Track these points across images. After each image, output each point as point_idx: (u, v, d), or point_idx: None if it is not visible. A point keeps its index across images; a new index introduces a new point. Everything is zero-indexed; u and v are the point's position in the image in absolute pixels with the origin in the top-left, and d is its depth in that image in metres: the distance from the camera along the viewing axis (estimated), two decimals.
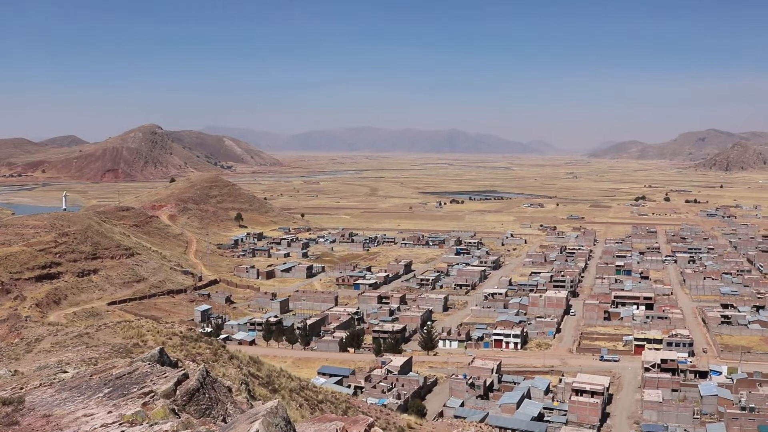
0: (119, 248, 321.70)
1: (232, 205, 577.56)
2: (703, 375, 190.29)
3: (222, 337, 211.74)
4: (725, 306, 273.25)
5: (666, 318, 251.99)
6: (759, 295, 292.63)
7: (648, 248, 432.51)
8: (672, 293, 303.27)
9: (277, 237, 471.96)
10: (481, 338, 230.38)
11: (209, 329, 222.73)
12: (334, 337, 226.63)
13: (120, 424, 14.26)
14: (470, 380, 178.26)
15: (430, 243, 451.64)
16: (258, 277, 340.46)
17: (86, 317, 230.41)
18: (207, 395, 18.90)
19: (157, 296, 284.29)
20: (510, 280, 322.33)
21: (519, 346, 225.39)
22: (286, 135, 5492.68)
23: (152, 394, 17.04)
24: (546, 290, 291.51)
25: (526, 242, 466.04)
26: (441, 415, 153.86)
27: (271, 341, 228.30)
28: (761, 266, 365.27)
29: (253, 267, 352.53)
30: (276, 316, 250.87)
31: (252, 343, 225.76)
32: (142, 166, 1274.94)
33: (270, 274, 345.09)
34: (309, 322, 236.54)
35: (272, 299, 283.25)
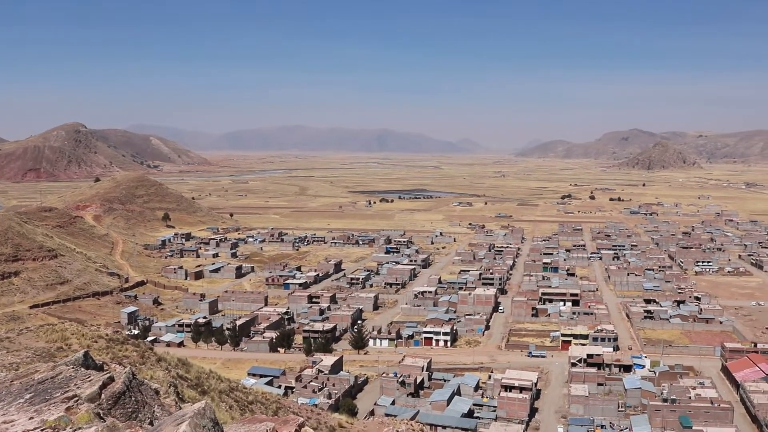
0: (42, 249, 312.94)
1: (159, 205, 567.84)
2: (627, 369, 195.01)
3: (149, 339, 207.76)
4: (648, 301, 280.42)
5: (592, 314, 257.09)
6: (679, 290, 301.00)
7: (574, 245, 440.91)
8: (597, 289, 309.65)
9: (205, 237, 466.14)
10: (411, 336, 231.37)
11: (136, 331, 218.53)
12: (264, 337, 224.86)
13: (42, 430, 13.87)
14: (401, 378, 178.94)
15: (360, 242, 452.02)
16: (186, 278, 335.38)
17: (7, 321, 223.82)
18: (133, 398, 18.53)
19: (81, 298, 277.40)
20: (439, 278, 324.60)
21: (449, 344, 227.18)
22: (215, 134, 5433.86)
23: (76, 398, 16.64)
24: (475, 288, 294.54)
25: (455, 240, 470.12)
26: (372, 413, 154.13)
27: (200, 343, 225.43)
28: (682, 262, 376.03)
29: (181, 268, 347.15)
30: (205, 317, 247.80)
31: (180, 344, 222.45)
32: (66, 166, 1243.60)
33: (198, 275, 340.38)
34: (238, 322, 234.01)
35: (201, 300, 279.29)
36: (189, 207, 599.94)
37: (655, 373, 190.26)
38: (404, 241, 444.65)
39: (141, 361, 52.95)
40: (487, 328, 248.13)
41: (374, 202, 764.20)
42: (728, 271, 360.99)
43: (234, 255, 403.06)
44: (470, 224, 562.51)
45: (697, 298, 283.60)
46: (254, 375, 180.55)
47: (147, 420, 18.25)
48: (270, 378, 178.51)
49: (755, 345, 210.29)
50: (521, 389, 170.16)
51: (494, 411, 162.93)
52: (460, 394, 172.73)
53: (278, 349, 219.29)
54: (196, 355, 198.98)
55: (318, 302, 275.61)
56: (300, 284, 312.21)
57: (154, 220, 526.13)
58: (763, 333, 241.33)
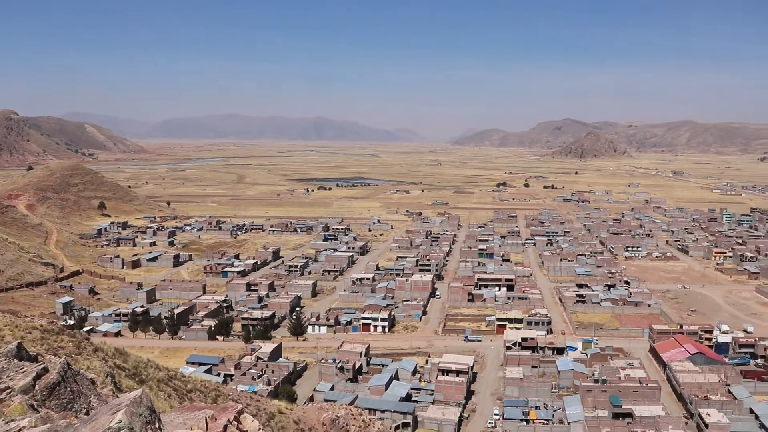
0: None
1: (95, 193, 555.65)
2: (560, 351, 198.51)
3: (86, 329, 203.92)
4: (580, 286, 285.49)
5: (526, 298, 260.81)
6: (610, 275, 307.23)
7: (509, 232, 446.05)
8: (531, 275, 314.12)
9: (142, 226, 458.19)
10: (349, 323, 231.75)
11: (72, 322, 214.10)
12: (202, 325, 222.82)
13: None
14: (339, 364, 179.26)
15: (298, 230, 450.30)
16: (123, 267, 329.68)
17: None
18: (69, 389, 18.15)
19: (15, 289, 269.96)
20: (377, 265, 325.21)
21: (387, 330, 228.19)
22: (151, 122, 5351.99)
23: (9, 390, 16.22)
24: (412, 274, 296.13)
25: (392, 228, 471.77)
26: (311, 399, 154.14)
27: (137, 332, 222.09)
28: (612, 248, 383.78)
29: (117, 257, 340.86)
30: (142, 306, 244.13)
31: (118, 334, 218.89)
32: None
33: (135, 264, 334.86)
34: (177, 311, 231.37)
35: (138, 289, 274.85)
36: (125, 195, 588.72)
37: (586, 355, 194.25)
38: (342, 229, 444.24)
39: (77, 351, 51.84)
40: (424, 313, 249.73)
41: (312, 190, 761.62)
42: (656, 257, 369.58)
43: (171, 243, 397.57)
44: (407, 211, 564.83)
45: (627, 283, 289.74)
46: (193, 363, 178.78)
47: (83, 410, 17.88)
48: (209, 366, 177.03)
49: (681, 327, 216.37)
50: (458, 373, 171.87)
51: (432, 394, 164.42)
52: (398, 379, 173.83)
53: (217, 337, 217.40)
54: (134, 344, 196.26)
55: (256, 290, 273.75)
56: (238, 272, 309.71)
57: (89, 209, 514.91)
58: (688, 315, 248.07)
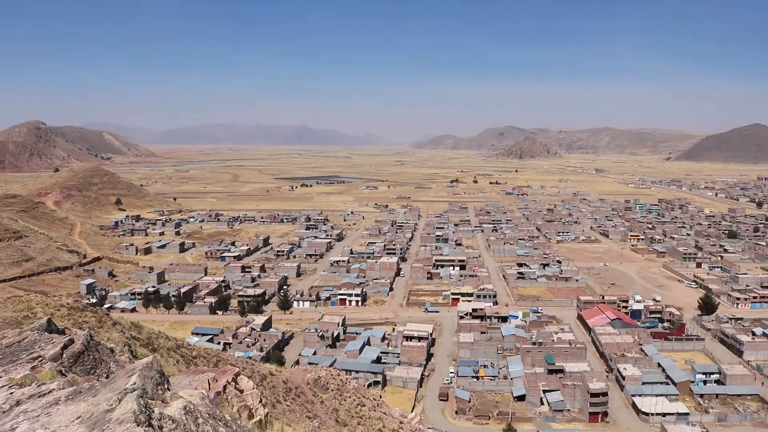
0: (7, 231, 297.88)
1: (112, 191, 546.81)
2: (504, 319, 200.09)
3: (106, 306, 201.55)
4: (520, 265, 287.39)
5: (475, 276, 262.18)
6: (545, 255, 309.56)
7: (461, 221, 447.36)
8: (480, 256, 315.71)
9: (152, 218, 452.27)
10: (328, 298, 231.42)
11: (94, 300, 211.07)
12: (204, 302, 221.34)
13: (9, 387, 13.37)
14: (320, 333, 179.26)
15: (285, 220, 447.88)
16: (137, 254, 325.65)
17: None
18: (91, 357, 18.04)
19: (45, 273, 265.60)
20: (351, 249, 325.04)
21: (360, 303, 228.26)
22: (159, 130, 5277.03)
23: (40, 358, 16.09)
24: (380, 257, 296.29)
25: (363, 218, 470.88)
26: (297, 363, 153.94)
27: (150, 308, 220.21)
28: (546, 233, 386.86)
29: (132, 245, 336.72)
30: (154, 287, 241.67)
31: (133, 310, 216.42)
32: (28, 158, 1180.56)
33: (147, 251, 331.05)
34: (183, 290, 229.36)
35: (150, 272, 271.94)
36: (138, 193, 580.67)
37: (526, 322, 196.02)
38: (321, 219, 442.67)
39: (99, 325, 51.32)
40: (391, 289, 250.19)
41: (296, 187, 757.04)
42: (582, 240, 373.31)
43: (177, 233, 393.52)
44: (376, 204, 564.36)
45: (559, 262, 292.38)
46: (197, 334, 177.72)
47: (104, 374, 17.80)
48: (210, 336, 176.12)
49: (603, 297, 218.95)
50: (419, 339, 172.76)
51: (398, 357, 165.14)
52: (369, 345, 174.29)
53: (217, 311, 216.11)
54: (147, 318, 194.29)
55: (250, 272, 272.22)
56: (234, 257, 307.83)
57: (107, 204, 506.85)
58: (608, 287, 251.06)
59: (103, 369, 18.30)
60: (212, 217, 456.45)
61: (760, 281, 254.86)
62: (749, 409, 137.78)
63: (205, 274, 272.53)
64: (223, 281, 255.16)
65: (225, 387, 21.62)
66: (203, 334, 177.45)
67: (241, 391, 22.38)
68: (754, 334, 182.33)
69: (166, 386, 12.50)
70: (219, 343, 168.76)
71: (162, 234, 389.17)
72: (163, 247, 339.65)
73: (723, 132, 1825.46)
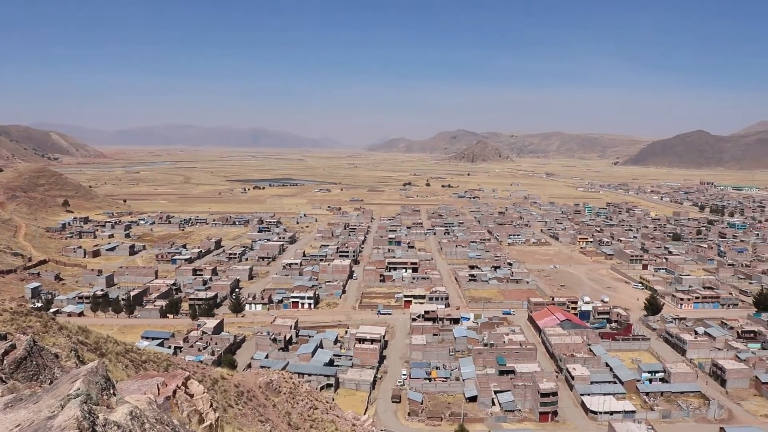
0: None
1: (60, 193, 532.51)
2: (456, 321, 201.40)
3: (52, 310, 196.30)
4: (472, 267, 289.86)
5: (428, 278, 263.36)
6: (496, 258, 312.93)
7: (413, 223, 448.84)
8: (432, 259, 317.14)
9: (102, 220, 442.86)
10: (281, 301, 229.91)
11: (39, 304, 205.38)
12: (155, 305, 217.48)
13: None
14: (273, 336, 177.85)
15: (237, 223, 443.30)
16: (85, 256, 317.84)
17: None
18: (34, 363, 17.48)
19: None
20: (304, 252, 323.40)
21: (312, 306, 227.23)
22: (110, 131, 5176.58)
23: None
24: (333, 259, 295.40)
25: (316, 221, 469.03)
26: (249, 366, 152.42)
27: (98, 312, 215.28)
28: (498, 236, 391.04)
29: (80, 247, 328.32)
30: (102, 290, 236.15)
31: (81, 314, 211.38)
32: None
33: (96, 253, 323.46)
34: (132, 293, 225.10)
35: (98, 275, 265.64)
36: (87, 194, 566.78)
37: (477, 323, 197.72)
38: (274, 222, 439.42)
39: (44, 330, 49.79)
40: (344, 292, 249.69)
41: (248, 189, 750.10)
42: (533, 242, 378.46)
43: (127, 235, 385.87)
44: (329, 207, 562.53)
45: (510, 264, 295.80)
46: (147, 338, 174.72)
47: (47, 381, 17.26)
48: (161, 340, 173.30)
49: (553, 299, 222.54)
50: (372, 341, 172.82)
51: (351, 360, 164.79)
52: (322, 347, 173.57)
53: (168, 315, 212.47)
54: (95, 323, 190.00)
55: (201, 274, 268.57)
56: (186, 259, 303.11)
57: (55, 206, 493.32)
58: (558, 289, 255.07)
59: (46, 375, 17.74)
60: (163, 219, 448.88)
61: (702, 282, 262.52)
62: (692, 405, 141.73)
63: (156, 277, 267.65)
64: (174, 284, 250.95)
65: (175, 391, 21.16)
66: (153, 338, 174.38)
67: (192, 396, 21.94)
68: (696, 333, 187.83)
69: (111, 391, 12.14)
70: (170, 347, 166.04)
71: (111, 236, 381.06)
72: (112, 249, 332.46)
73: (668, 138, 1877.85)
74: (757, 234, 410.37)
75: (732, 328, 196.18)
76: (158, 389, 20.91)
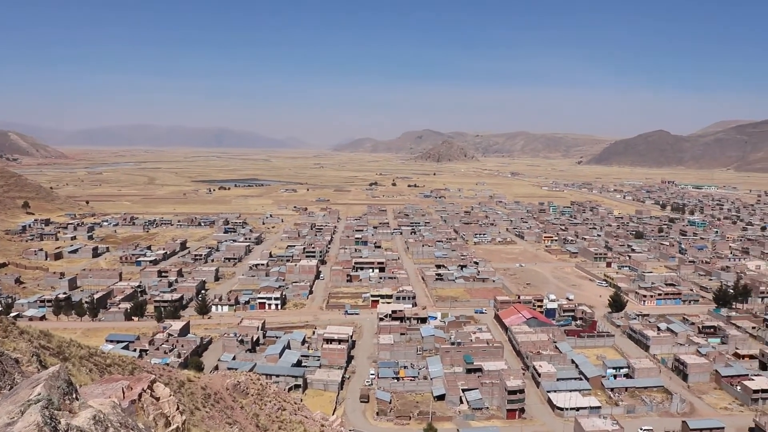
0: None
1: (19, 194, 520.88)
2: (423, 320, 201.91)
3: (12, 315, 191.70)
4: (438, 266, 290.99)
5: (395, 278, 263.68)
6: (462, 257, 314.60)
7: (380, 223, 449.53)
8: (399, 258, 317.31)
9: (63, 222, 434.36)
10: (247, 302, 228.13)
11: None
12: (119, 308, 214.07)
13: None
14: (240, 338, 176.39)
15: (202, 224, 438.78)
16: (47, 259, 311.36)
17: None
18: None
19: None
20: (270, 252, 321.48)
21: (279, 307, 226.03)
22: (70, 131, 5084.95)
23: None
24: (300, 260, 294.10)
25: (282, 221, 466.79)
26: (216, 368, 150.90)
27: (61, 316, 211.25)
28: (464, 235, 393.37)
29: (41, 250, 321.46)
30: (65, 293, 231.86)
31: (42, 318, 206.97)
32: None
33: (58, 256, 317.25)
34: (96, 296, 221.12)
35: (61, 278, 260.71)
36: (48, 196, 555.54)
37: (444, 322, 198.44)
38: (240, 223, 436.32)
39: (3, 335, 48.37)
40: (311, 292, 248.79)
41: (214, 190, 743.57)
42: (498, 241, 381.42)
43: (90, 237, 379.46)
44: (295, 207, 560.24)
45: (476, 263, 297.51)
46: (112, 341, 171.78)
47: (7, 386, 16.70)
48: (126, 343, 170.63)
49: (519, 297, 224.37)
50: (340, 341, 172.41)
51: (318, 360, 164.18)
52: (290, 348, 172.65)
53: (133, 317, 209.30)
54: (58, 326, 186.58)
55: (167, 276, 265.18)
56: (150, 261, 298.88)
57: (14, 207, 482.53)
58: (524, 287, 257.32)
59: (6, 381, 17.17)
60: (127, 220, 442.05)
61: (664, 279, 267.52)
62: (655, 400, 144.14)
63: (120, 280, 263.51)
64: (138, 286, 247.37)
65: (140, 395, 20.67)
66: (118, 341, 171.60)
67: (158, 399, 21.46)
68: (659, 329, 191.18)
69: (74, 396, 11.72)
70: (135, 350, 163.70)
71: (74, 238, 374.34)
72: (75, 251, 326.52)
73: (630, 137, 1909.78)
74: (716, 231, 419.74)
75: (693, 323, 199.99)
76: (123, 393, 20.40)
